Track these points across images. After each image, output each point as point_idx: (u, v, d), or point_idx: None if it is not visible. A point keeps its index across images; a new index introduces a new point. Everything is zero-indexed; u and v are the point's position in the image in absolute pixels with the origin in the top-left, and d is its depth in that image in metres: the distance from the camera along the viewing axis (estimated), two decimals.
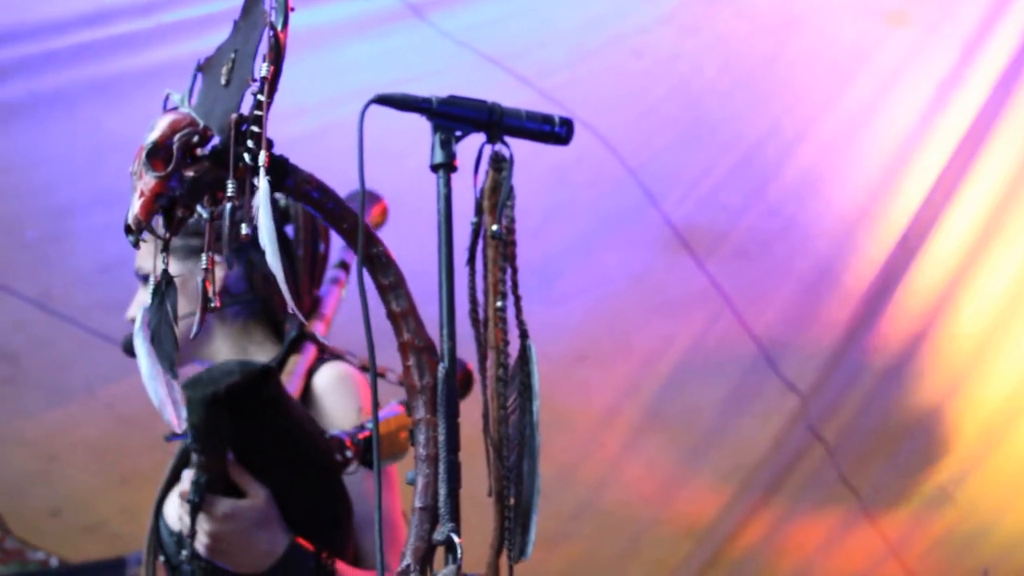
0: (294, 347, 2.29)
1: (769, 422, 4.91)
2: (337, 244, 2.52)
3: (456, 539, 1.35)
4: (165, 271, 1.39)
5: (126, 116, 3.98)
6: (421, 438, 1.41)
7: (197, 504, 1.74)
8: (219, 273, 2.36)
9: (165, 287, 1.38)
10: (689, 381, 4.70)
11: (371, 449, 1.88)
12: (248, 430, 1.75)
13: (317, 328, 2.34)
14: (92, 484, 5.35)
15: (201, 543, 1.78)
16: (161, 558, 2.28)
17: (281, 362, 2.26)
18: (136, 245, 1.36)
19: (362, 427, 1.96)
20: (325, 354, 2.32)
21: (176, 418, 1.48)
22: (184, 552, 1.87)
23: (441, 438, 1.40)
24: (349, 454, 1.88)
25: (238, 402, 1.69)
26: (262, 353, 2.31)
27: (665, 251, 4.46)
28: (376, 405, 1.41)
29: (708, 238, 4.47)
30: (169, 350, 1.38)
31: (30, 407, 4.91)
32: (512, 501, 1.44)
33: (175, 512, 1.83)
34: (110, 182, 4.09)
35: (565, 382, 4.50)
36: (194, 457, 1.72)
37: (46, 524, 5.70)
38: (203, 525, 1.78)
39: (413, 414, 1.43)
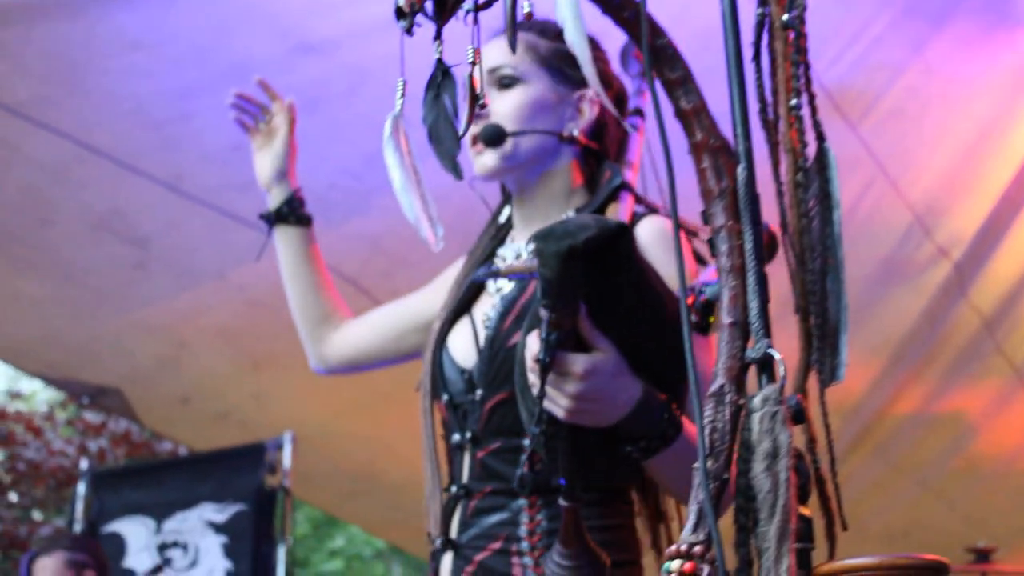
0: (612, 195, 2.18)
1: (923, 292, 4.73)
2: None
3: (775, 355, 1.21)
4: (439, 60, 1.24)
5: None
6: (724, 247, 1.26)
7: (548, 364, 1.61)
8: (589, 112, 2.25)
9: (441, 80, 1.23)
10: None
11: (708, 314, 1.73)
12: (601, 286, 1.62)
13: (627, 175, 2.20)
14: (222, 370, 5.29)
15: (562, 406, 1.65)
16: (444, 397, 2.20)
17: (599, 209, 2.16)
18: (408, 30, 1.21)
19: (693, 289, 1.81)
20: (641, 205, 2.20)
21: (432, 235, 1.35)
22: (531, 415, 1.70)
23: (747, 246, 1.25)
24: (693, 318, 1.74)
25: (593, 257, 1.56)
26: (578, 197, 2.22)
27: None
28: (679, 246, 1.26)
29: (861, 100, 4.25)
30: (451, 147, 1.24)
31: (160, 292, 4.84)
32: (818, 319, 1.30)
33: (530, 354, 1.68)
34: (238, 58, 3.96)
35: None
36: (543, 313, 1.58)
37: (175, 412, 5.66)
38: (564, 387, 1.64)
39: (712, 221, 1.28)
